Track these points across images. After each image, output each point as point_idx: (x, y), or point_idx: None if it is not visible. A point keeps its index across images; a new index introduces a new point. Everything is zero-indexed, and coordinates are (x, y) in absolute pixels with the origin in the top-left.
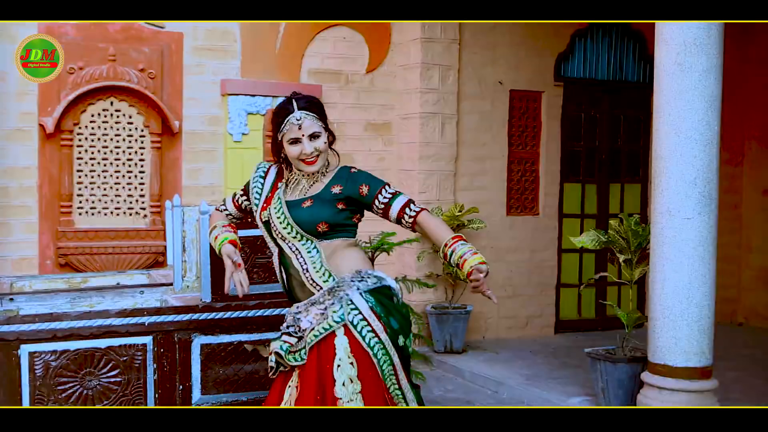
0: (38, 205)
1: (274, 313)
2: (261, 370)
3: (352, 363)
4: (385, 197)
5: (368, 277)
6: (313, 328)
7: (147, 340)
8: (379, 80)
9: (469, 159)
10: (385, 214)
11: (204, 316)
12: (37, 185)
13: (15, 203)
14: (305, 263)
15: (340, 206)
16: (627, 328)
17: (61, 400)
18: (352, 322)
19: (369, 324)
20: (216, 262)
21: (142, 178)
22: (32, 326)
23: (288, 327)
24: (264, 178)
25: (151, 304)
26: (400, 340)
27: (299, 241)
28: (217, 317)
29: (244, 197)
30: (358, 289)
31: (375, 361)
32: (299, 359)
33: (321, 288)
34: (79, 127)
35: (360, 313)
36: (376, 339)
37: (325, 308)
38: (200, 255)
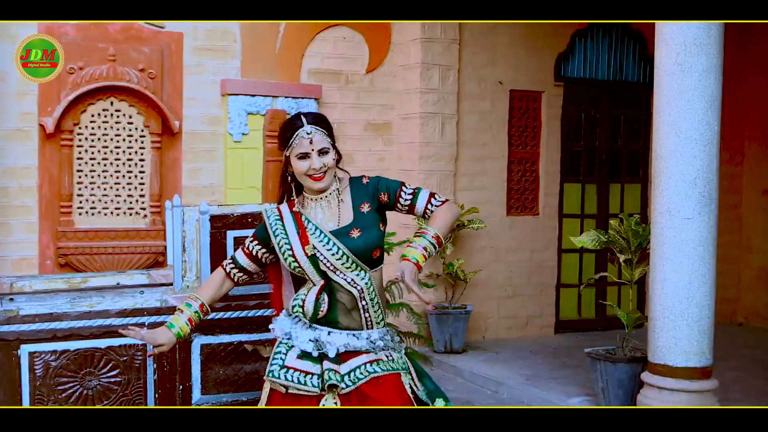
0: (38, 205)
1: (274, 314)
2: (261, 370)
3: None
4: (406, 199)
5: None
6: (363, 364)
7: None
8: (379, 80)
9: (469, 159)
10: (410, 212)
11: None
12: (37, 185)
13: (15, 203)
14: (365, 296)
15: (382, 227)
16: (627, 328)
17: (61, 400)
18: (410, 373)
19: (413, 380)
20: (216, 261)
21: (142, 178)
22: (32, 326)
23: (314, 350)
24: (280, 219)
25: (151, 304)
26: (439, 402)
27: (353, 271)
28: (217, 317)
29: (258, 245)
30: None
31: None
32: (350, 383)
33: (371, 322)
34: (79, 127)
35: (409, 368)
36: (413, 394)
37: (390, 350)
38: (200, 255)
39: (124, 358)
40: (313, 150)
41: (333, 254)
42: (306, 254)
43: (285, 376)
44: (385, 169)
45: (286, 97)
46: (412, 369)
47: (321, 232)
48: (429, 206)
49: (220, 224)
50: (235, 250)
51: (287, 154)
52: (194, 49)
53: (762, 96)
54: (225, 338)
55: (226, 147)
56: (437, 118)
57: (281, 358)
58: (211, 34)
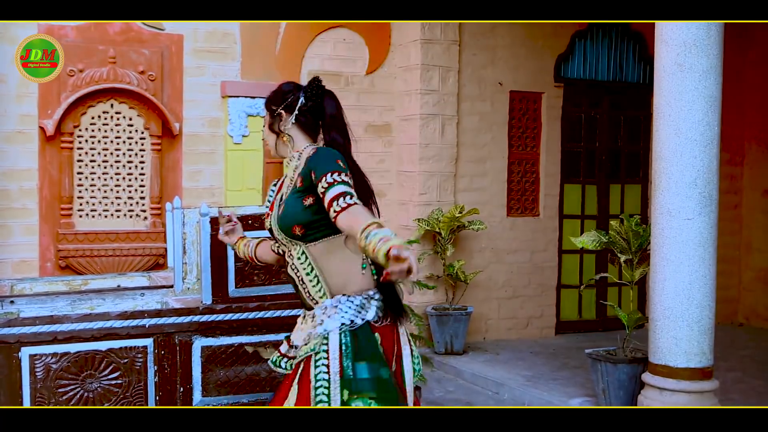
0: (38, 207)
1: (274, 315)
2: (262, 372)
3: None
4: (321, 189)
5: (350, 309)
6: (305, 344)
7: (148, 342)
8: (379, 82)
9: (470, 160)
10: (322, 201)
11: (204, 318)
12: (37, 187)
13: (15, 205)
14: (297, 270)
15: (307, 201)
16: (627, 328)
17: (62, 402)
18: (316, 353)
19: (328, 359)
20: (216, 263)
21: (142, 180)
22: (33, 329)
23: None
24: (276, 184)
25: (152, 306)
26: (356, 403)
27: (290, 244)
28: (217, 319)
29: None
30: (342, 325)
31: (312, 393)
32: (288, 367)
33: (315, 301)
34: (80, 130)
35: (327, 347)
36: (325, 376)
37: (312, 330)
38: (201, 257)
39: (125, 361)
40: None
41: (273, 228)
42: (266, 228)
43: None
44: (385, 171)
45: None
46: (333, 348)
47: (278, 205)
48: (335, 204)
49: (219, 226)
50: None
51: None
52: (194, 51)
53: (762, 96)
54: (226, 340)
55: (227, 149)
56: (437, 119)
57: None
58: (211, 36)
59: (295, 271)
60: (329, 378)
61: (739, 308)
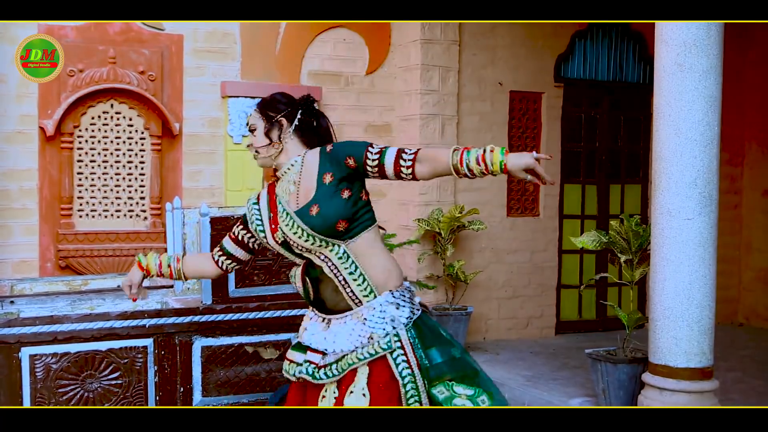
0: (38, 207)
1: (274, 315)
2: (262, 372)
3: (364, 394)
4: (373, 159)
5: (406, 302)
6: (354, 350)
7: (148, 342)
8: (379, 82)
9: None
10: (382, 175)
11: (205, 318)
12: (37, 188)
13: (15, 206)
14: (338, 272)
15: (345, 194)
16: (628, 328)
17: (62, 402)
18: (392, 352)
19: (405, 355)
20: None
21: (142, 181)
22: (33, 329)
23: (309, 342)
24: (257, 203)
25: (152, 307)
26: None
27: (326, 248)
28: (217, 319)
29: (243, 230)
30: (399, 317)
31: (402, 391)
32: (331, 375)
33: (360, 302)
34: (80, 130)
35: (400, 342)
36: (409, 371)
37: (371, 331)
38: None
39: (125, 361)
40: (248, 127)
41: (299, 237)
42: (277, 242)
43: (284, 367)
44: None
45: None
46: (406, 343)
47: (288, 214)
48: (401, 162)
49: (220, 226)
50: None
51: None
52: (194, 51)
53: (762, 96)
54: (226, 340)
55: (227, 149)
56: (437, 119)
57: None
58: (211, 36)
59: (335, 272)
60: (413, 373)
61: (739, 308)
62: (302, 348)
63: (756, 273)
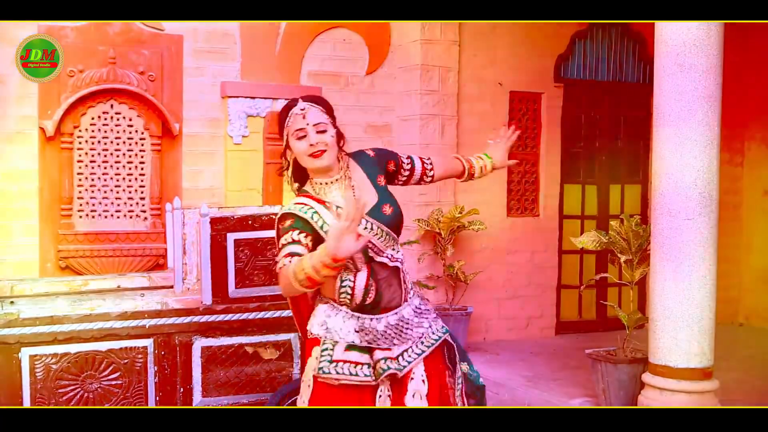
0: (38, 208)
1: (274, 316)
2: (262, 372)
3: (423, 380)
4: (407, 164)
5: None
6: (421, 336)
7: (148, 342)
8: (378, 82)
9: None
10: (408, 180)
11: (205, 318)
12: (37, 188)
13: (15, 206)
14: (401, 265)
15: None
16: (628, 329)
17: (62, 402)
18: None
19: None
20: (216, 264)
21: (142, 181)
22: (33, 329)
23: (375, 342)
24: (316, 212)
25: (152, 307)
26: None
27: (391, 248)
28: (217, 320)
29: (306, 237)
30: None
31: (470, 371)
32: (410, 360)
33: (409, 293)
34: (80, 130)
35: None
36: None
37: (427, 318)
38: (201, 257)
39: (125, 361)
40: (308, 125)
41: (376, 235)
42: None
43: (335, 369)
44: None
45: (286, 99)
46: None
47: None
48: (426, 163)
49: (220, 226)
50: (236, 251)
51: (286, 138)
52: (194, 51)
53: (762, 96)
54: (226, 341)
55: (226, 149)
56: (437, 119)
57: (329, 354)
58: (211, 36)
59: (402, 268)
60: (463, 350)
61: (740, 308)
62: (361, 349)
63: (756, 273)
